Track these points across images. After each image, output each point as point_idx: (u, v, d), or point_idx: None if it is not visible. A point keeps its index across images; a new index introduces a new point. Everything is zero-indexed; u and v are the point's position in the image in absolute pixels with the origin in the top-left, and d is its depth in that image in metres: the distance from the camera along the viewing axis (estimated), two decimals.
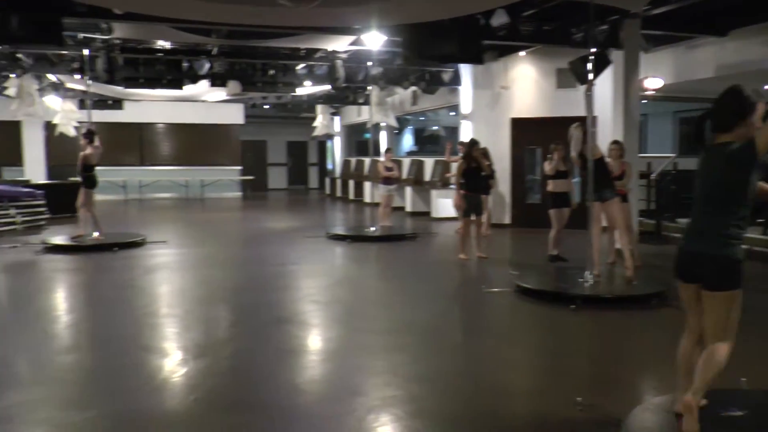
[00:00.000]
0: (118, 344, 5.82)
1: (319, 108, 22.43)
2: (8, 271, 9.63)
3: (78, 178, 11.76)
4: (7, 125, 19.03)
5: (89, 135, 11.45)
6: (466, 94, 14.96)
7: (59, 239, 11.55)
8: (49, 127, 18.83)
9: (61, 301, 8.12)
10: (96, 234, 11.49)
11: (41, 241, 11.62)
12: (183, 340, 6.06)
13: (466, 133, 14.47)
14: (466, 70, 14.86)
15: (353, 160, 23.55)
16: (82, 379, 5.05)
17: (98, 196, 12.24)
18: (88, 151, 11.26)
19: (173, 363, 5.32)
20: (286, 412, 4.24)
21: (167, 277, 9.22)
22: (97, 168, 11.53)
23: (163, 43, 13.21)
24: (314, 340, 6.06)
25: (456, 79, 15.14)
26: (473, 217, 9.97)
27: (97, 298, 7.95)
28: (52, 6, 8.17)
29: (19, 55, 13.43)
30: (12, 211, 13.57)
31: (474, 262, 9.79)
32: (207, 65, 13.81)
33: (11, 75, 14.64)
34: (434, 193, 16.11)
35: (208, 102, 20.26)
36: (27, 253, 10.81)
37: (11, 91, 15.37)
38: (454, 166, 11.26)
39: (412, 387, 4.67)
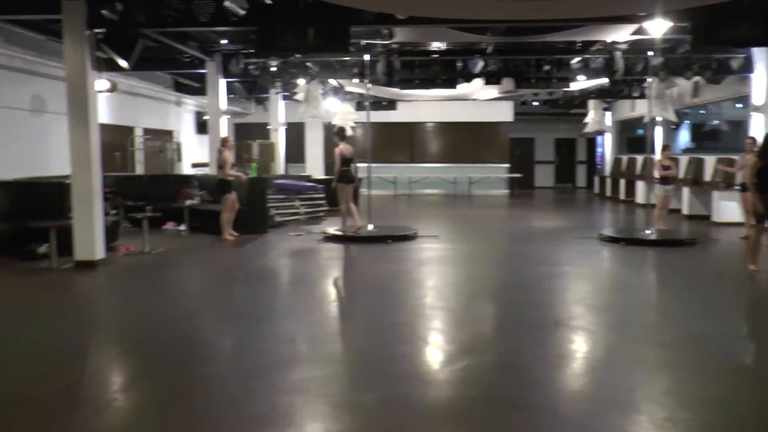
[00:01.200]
0: (396, 332, 6.09)
1: (591, 103, 21.68)
2: (294, 256, 10.60)
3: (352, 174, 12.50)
4: (293, 126, 21.10)
5: (341, 133, 12.23)
6: (759, 83, 13.49)
7: (336, 230, 12.34)
8: (328, 127, 20.45)
9: (340, 286, 8.68)
10: (339, 228, 12.22)
11: (321, 230, 12.63)
12: (458, 333, 6.16)
13: (756, 128, 13.07)
14: (760, 55, 13.40)
15: (624, 157, 22.41)
16: (364, 361, 5.32)
17: (373, 191, 13.01)
18: (341, 146, 11.99)
19: (450, 355, 5.43)
20: (565, 420, 4.11)
21: (439, 270, 9.46)
22: (373, 165, 12.22)
23: (438, 45, 13.60)
24: (590, 347, 5.79)
25: (747, 66, 13.70)
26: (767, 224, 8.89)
27: (373, 286, 8.39)
28: (343, 16, 8.77)
29: (308, 63, 14.71)
30: (296, 203, 14.94)
31: (766, 274, 8.78)
32: (480, 64, 13.95)
33: (299, 81, 16.06)
34: (716, 194, 14.74)
35: (477, 100, 20.51)
36: (309, 241, 11.80)
37: (300, 96, 16.94)
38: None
39: (703, 411, 4.25)
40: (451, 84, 15.02)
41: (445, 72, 14.72)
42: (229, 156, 11.80)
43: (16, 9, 9.45)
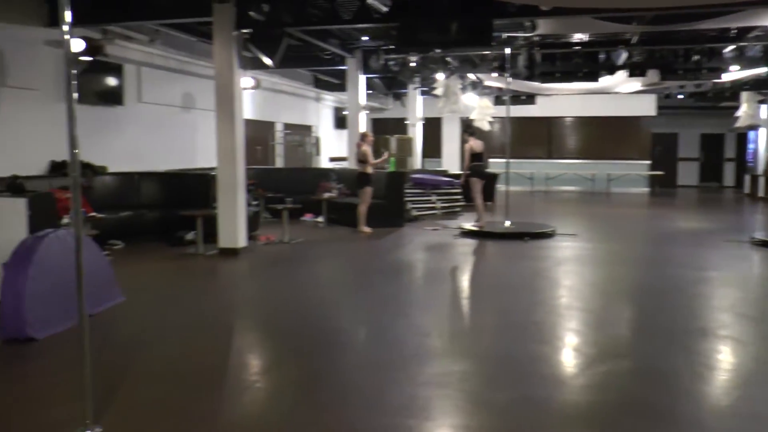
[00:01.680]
0: (533, 331, 5.98)
1: (743, 95, 20.29)
2: (430, 251, 10.65)
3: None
4: (430, 121, 21.21)
5: (470, 129, 12.27)
6: None
7: (473, 225, 12.25)
8: (465, 122, 20.37)
9: (476, 282, 8.66)
10: (477, 222, 12.18)
11: (457, 225, 12.61)
12: (597, 336, 5.97)
13: None
14: None
15: None
16: (500, 359, 5.24)
17: (510, 187, 12.89)
18: (471, 142, 11.99)
19: (589, 358, 5.26)
20: None
21: (577, 270, 9.20)
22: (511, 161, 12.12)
23: (579, 36, 13.19)
24: (741, 359, 5.40)
25: None
26: None
27: (509, 283, 8.26)
28: (486, 10, 8.68)
29: (448, 58, 14.67)
30: (433, 198, 14.99)
31: None
32: (624, 55, 13.38)
33: (438, 76, 16.06)
34: None
35: (618, 94, 19.75)
36: (446, 236, 11.81)
37: (439, 91, 16.94)
38: None
39: None
40: (593, 77, 14.55)
41: (587, 64, 14.27)
42: (368, 150, 12.01)
43: (173, 13, 10.04)
